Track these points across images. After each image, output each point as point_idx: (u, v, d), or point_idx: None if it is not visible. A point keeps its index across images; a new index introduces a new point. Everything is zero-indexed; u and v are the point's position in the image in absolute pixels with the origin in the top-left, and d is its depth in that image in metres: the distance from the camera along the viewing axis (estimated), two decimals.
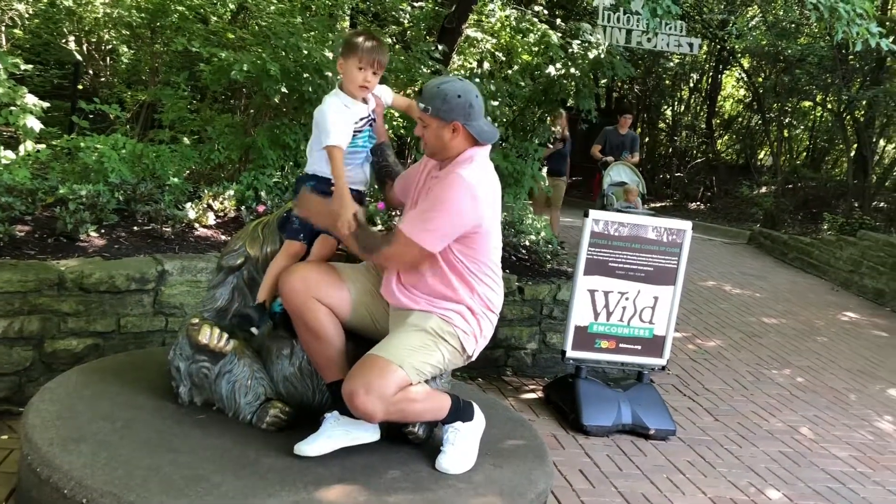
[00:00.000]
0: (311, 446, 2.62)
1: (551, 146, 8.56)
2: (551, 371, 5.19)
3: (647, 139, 19.24)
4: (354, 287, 2.80)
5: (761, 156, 19.35)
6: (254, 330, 2.85)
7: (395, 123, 6.21)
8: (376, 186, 3.22)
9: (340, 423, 2.69)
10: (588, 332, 4.60)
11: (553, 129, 8.25)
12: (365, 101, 2.89)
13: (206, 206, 4.80)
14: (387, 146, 3.05)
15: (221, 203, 4.93)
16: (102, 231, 4.21)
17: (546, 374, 5.19)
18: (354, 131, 2.86)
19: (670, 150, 19.27)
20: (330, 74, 5.15)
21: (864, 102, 13.03)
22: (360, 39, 2.81)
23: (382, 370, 2.52)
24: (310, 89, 5.44)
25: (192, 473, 2.40)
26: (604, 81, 10.48)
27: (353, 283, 2.80)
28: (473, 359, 2.83)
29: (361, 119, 2.88)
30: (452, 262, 2.69)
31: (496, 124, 6.30)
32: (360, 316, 2.81)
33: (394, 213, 5.02)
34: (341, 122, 2.80)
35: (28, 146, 5.17)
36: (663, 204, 16.74)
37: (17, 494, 2.67)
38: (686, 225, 4.70)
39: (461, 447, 2.74)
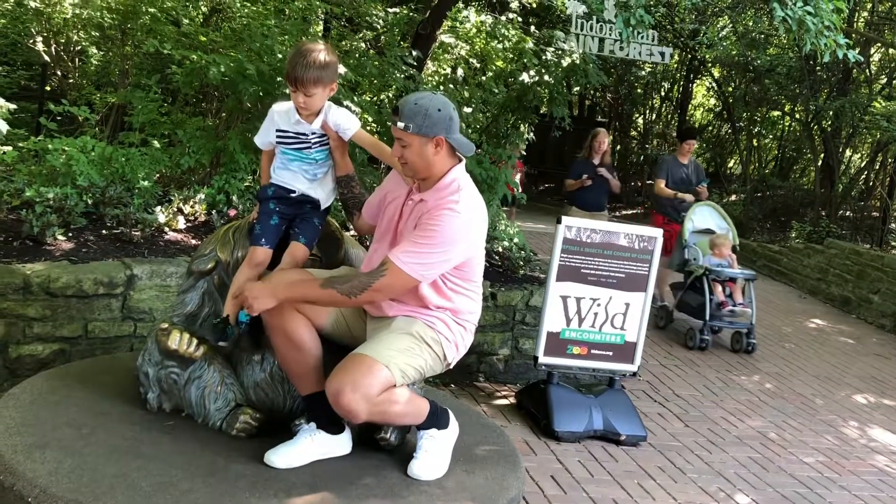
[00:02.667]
0: (282, 458, 2.60)
1: (585, 177, 7.34)
2: (524, 377, 5.20)
3: (618, 146, 19.40)
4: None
5: (731, 164, 19.60)
6: (221, 343, 2.80)
7: None
8: (344, 215, 3.18)
9: (314, 436, 2.67)
10: (560, 338, 4.62)
11: (593, 153, 7.40)
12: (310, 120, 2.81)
13: (176, 209, 4.75)
14: (352, 178, 2.98)
15: (192, 207, 4.88)
16: (70, 235, 4.14)
17: (518, 380, 5.20)
18: (302, 146, 2.83)
19: (642, 157, 19.44)
20: None
21: (830, 112, 13.25)
22: (289, 60, 2.72)
23: (370, 369, 2.49)
24: (285, 92, 5.40)
25: (160, 480, 2.36)
26: (577, 89, 10.52)
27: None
28: (451, 367, 2.83)
29: (301, 134, 2.82)
30: (437, 280, 2.68)
31: (469, 130, 6.31)
32: (337, 324, 2.79)
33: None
34: (265, 125, 2.89)
35: None
36: (634, 211, 16.88)
37: None
38: (657, 232, 4.74)
39: (435, 454, 2.73)
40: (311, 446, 2.66)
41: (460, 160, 2.73)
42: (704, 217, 7.32)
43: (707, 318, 6.78)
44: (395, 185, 2.85)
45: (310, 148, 2.85)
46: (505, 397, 4.96)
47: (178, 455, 2.55)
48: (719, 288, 6.91)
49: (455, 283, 2.72)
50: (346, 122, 2.84)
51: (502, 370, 5.21)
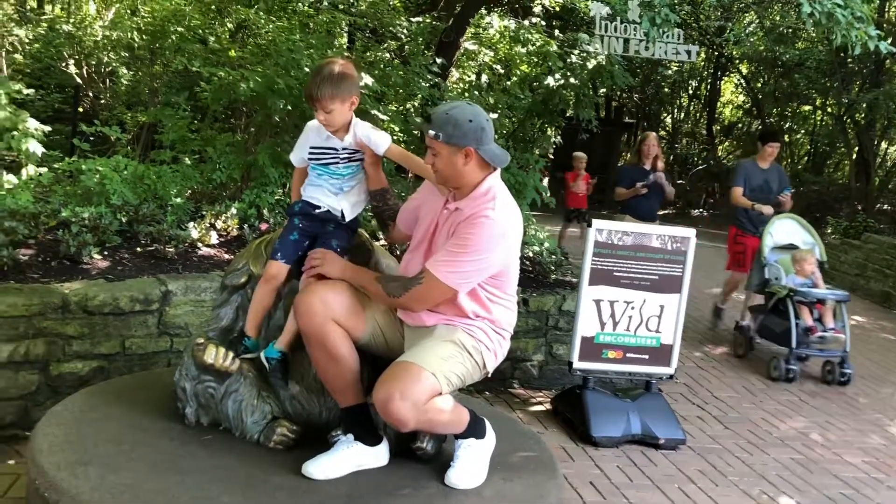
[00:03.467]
0: (319, 468, 2.61)
1: (640, 185, 6.87)
2: (558, 382, 5.17)
3: None
4: (370, 307, 2.79)
5: None
6: (251, 356, 2.84)
7: None
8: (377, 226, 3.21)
9: (352, 448, 2.68)
10: (594, 343, 4.57)
11: (643, 158, 6.98)
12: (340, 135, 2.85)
13: (208, 225, 4.80)
14: (386, 191, 3.00)
15: (224, 222, 4.93)
16: (105, 253, 4.20)
17: (553, 386, 5.17)
18: (328, 161, 2.87)
19: (671, 157, 19.28)
20: None
21: (864, 105, 13.04)
22: (310, 80, 2.78)
23: (417, 376, 2.50)
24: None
25: (199, 494, 2.38)
26: (603, 91, 10.46)
27: (369, 303, 2.79)
28: (489, 375, 2.83)
29: (331, 149, 2.86)
30: (475, 289, 2.68)
31: (496, 136, 6.30)
32: (374, 336, 2.79)
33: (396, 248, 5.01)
34: (300, 142, 2.92)
35: (30, 170, 5.18)
36: (665, 212, 16.72)
37: None
38: (690, 232, 4.68)
39: (473, 463, 2.72)
40: (348, 458, 2.66)
41: (495, 169, 2.72)
42: (787, 231, 6.46)
43: (793, 345, 6.00)
44: (429, 194, 2.86)
45: (337, 163, 2.88)
46: (540, 403, 4.92)
47: (217, 469, 2.57)
48: (806, 311, 6.13)
49: (492, 293, 2.71)
50: (377, 136, 2.85)
51: (537, 376, 5.18)
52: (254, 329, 2.90)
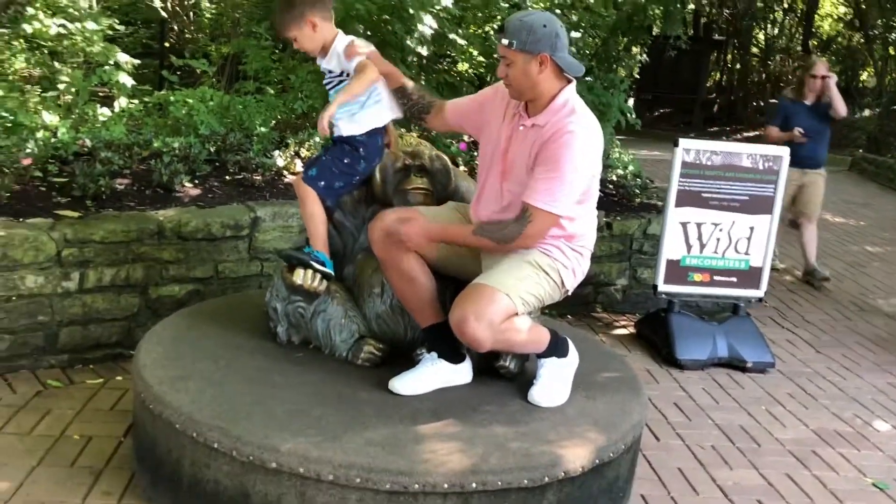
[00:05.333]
0: (405, 384, 2.67)
1: (798, 131, 5.72)
2: (642, 307, 5.11)
3: (738, 65, 18.39)
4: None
5: (864, 77, 18.21)
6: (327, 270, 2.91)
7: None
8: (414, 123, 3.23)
9: (436, 365, 2.73)
10: (680, 266, 4.49)
11: (807, 91, 5.89)
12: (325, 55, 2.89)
13: (293, 153, 4.87)
14: (405, 88, 2.97)
15: (308, 150, 5.00)
16: (196, 181, 4.33)
17: (636, 310, 5.12)
18: (327, 83, 2.95)
19: (763, 75, 18.37)
20: (412, 11, 5.09)
21: None
22: None
23: (491, 297, 2.51)
24: (392, 30, 5.39)
25: (292, 408, 2.48)
26: (691, 6, 9.92)
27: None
28: (569, 294, 2.81)
29: (328, 71, 2.92)
30: None
31: (579, 56, 6.11)
32: (449, 259, 2.81)
33: (472, 148, 4.97)
34: None
35: (122, 102, 5.35)
36: (758, 133, 16.03)
37: (133, 429, 2.84)
38: (783, 151, 4.49)
39: (555, 381, 2.74)
40: (432, 375, 2.72)
41: (570, 81, 2.65)
42: None
43: None
44: (494, 96, 2.80)
45: (331, 86, 2.93)
46: (623, 327, 4.90)
47: (308, 384, 2.67)
48: None
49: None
50: (343, 51, 2.83)
51: (620, 300, 5.14)
52: (321, 244, 2.93)
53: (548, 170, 2.54)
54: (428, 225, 2.70)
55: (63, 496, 2.60)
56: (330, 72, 2.92)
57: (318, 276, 2.87)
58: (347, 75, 2.87)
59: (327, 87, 2.99)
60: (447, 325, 2.60)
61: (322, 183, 2.91)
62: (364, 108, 2.90)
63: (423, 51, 5.24)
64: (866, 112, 15.51)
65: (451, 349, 2.76)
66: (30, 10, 6.07)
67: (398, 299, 2.84)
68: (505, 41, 2.55)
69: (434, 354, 2.75)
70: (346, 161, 2.92)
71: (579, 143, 2.52)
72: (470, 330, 2.48)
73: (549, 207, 2.53)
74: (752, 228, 4.49)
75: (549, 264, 2.67)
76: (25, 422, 3.06)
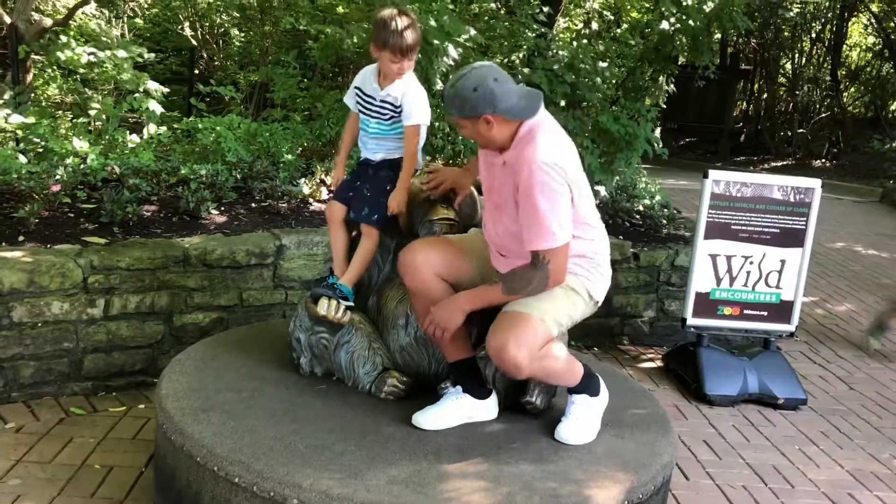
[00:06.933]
0: (428, 419, 2.63)
1: None
2: (670, 339, 5.03)
3: (765, 94, 18.26)
4: (470, 259, 2.77)
5: (893, 107, 18.00)
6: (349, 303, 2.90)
7: None
8: None
9: (460, 400, 2.69)
10: (710, 299, 4.41)
11: None
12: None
13: (319, 181, 4.88)
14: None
15: (334, 178, 4.99)
16: (222, 209, 4.35)
17: (664, 343, 5.03)
18: (365, 110, 2.95)
19: (791, 105, 18.22)
20: (437, 42, 5.10)
21: None
22: (384, 29, 2.80)
23: (528, 323, 2.49)
24: (417, 61, 5.41)
25: (315, 443, 2.44)
26: (717, 36, 9.86)
27: (470, 254, 2.77)
28: (600, 304, 2.77)
29: (369, 97, 2.94)
30: None
31: (605, 85, 6.08)
32: (471, 280, 2.77)
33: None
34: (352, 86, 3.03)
35: (151, 129, 5.40)
36: (785, 163, 15.88)
37: (154, 460, 2.81)
38: (815, 183, 4.41)
39: (585, 419, 2.69)
40: (457, 410, 2.67)
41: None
42: None
43: None
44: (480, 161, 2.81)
45: (370, 115, 2.95)
46: (651, 360, 4.81)
47: (331, 418, 2.63)
48: None
49: None
50: (412, 103, 2.89)
51: (647, 332, 5.06)
52: (339, 271, 2.99)
53: (530, 208, 2.48)
54: (460, 294, 2.66)
55: None
56: (384, 102, 2.91)
57: (343, 307, 2.85)
58: (386, 110, 2.91)
59: (369, 114, 2.95)
60: (474, 360, 2.56)
61: (376, 217, 2.95)
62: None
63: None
64: None
65: (477, 384, 2.71)
66: (63, 38, 6.18)
67: (424, 332, 2.80)
68: (449, 112, 2.58)
69: (459, 389, 2.70)
70: (388, 188, 2.94)
71: (543, 171, 2.45)
72: (510, 356, 2.45)
73: (554, 243, 2.49)
74: (783, 261, 4.40)
75: (575, 283, 2.64)
76: (48, 450, 3.04)
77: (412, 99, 2.89)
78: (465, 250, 2.77)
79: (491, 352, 2.50)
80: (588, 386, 2.71)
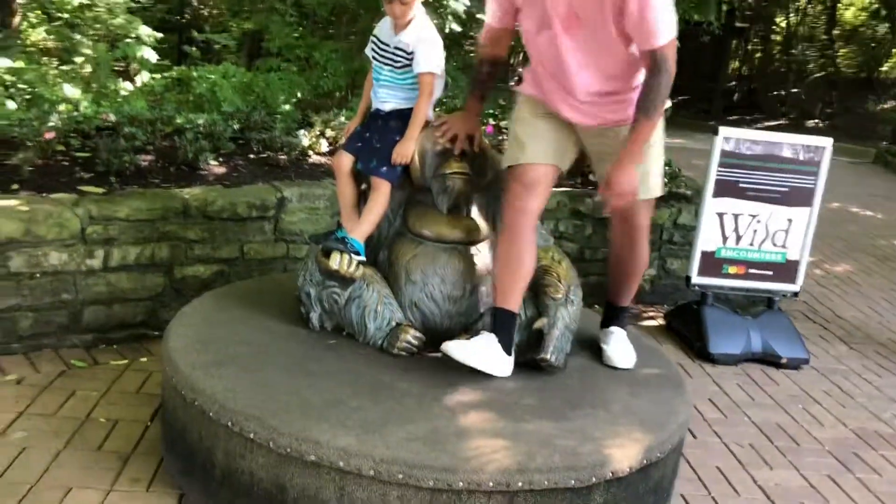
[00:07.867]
0: (458, 350, 2.59)
1: None
2: (671, 298, 5.00)
3: (759, 53, 18.13)
4: (558, 156, 2.85)
5: (886, 68, 17.94)
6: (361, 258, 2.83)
7: None
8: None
9: (491, 344, 2.62)
10: (715, 258, 4.37)
11: None
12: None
13: (318, 133, 4.76)
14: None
15: (333, 130, 4.89)
16: (221, 159, 4.23)
17: (665, 301, 5.01)
18: (379, 58, 2.88)
19: (785, 64, 18.11)
20: None
21: None
22: None
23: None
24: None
25: (330, 397, 2.39)
26: None
27: (555, 153, 2.83)
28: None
29: (384, 44, 2.86)
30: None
31: None
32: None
33: (502, 137, 4.85)
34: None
35: (144, 77, 5.24)
36: (778, 122, 15.84)
37: (161, 414, 2.75)
38: (826, 142, 4.36)
39: (624, 345, 2.96)
40: (485, 348, 2.60)
41: None
42: None
43: None
44: None
45: (382, 63, 2.87)
46: (652, 318, 4.79)
47: (345, 373, 2.58)
48: None
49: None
50: (425, 51, 2.80)
51: (648, 291, 5.02)
52: (348, 223, 2.92)
53: (643, 5, 2.44)
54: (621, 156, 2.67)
55: (91, 482, 2.52)
56: (397, 49, 2.82)
57: (355, 261, 2.78)
58: (399, 58, 2.82)
59: (383, 62, 2.87)
60: (515, 317, 2.68)
61: (385, 170, 2.86)
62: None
63: (456, 27, 5.12)
64: (890, 104, 15.28)
65: (509, 339, 2.67)
66: None
67: (494, 274, 2.79)
68: None
69: (493, 337, 2.64)
70: (398, 140, 2.86)
71: None
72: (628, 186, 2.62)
73: (670, 34, 2.49)
74: (790, 221, 4.37)
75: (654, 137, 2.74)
76: (51, 403, 2.98)
77: (424, 47, 2.80)
78: (551, 157, 2.82)
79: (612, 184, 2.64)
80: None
